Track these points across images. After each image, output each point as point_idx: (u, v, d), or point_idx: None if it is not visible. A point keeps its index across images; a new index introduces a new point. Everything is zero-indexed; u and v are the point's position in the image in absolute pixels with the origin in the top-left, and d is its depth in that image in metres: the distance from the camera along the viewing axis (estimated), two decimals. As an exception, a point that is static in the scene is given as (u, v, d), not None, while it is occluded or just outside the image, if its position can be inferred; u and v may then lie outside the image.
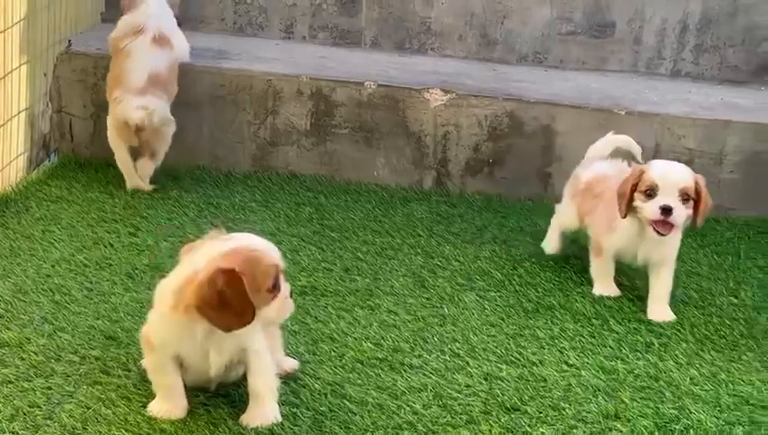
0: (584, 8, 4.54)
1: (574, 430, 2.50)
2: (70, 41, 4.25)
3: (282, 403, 2.50)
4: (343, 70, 4.29)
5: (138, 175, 3.94)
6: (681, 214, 3.02)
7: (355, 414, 2.51)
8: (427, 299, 3.22)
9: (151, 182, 3.98)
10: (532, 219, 3.95)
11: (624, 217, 3.10)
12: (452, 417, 2.53)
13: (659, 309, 3.17)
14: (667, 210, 2.99)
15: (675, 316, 3.15)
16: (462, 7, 4.58)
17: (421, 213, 3.96)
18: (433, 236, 3.74)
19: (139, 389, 2.54)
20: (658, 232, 3.03)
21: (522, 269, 3.49)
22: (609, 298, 3.27)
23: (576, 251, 3.61)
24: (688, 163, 3.97)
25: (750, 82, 4.52)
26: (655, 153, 4.02)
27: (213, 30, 4.72)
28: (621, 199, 3.08)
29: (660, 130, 4.03)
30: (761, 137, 4.00)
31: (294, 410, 2.50)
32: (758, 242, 3.84)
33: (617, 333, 3.05)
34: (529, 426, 2.51)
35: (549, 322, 3.11)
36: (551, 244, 3.60)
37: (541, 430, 2.50)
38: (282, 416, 2.44)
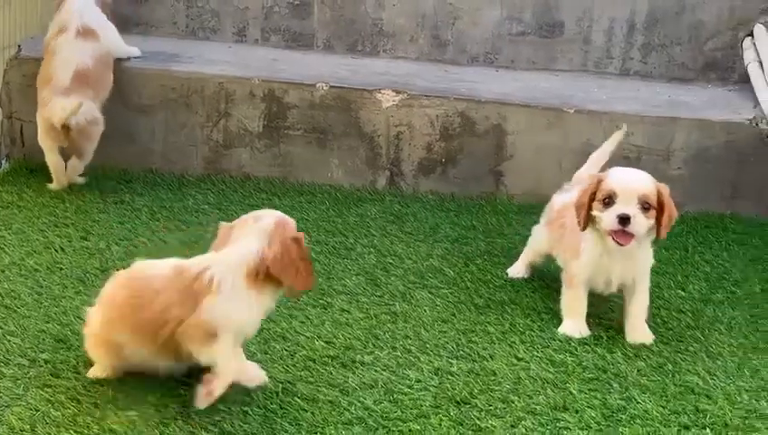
0: (533, 8, 4.59)
1: (523, 422, 2.54)
2: (19, 46, 4.23)
3: (232, 402, 2.51)
4: (295, 72, 4.31)
5: (67, 175, 3.95)
6: (641, 223, 2.83)
7: (306, 411, 2.52)
8: (380, 297, 3.24)
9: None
10: (485, 217, 3.98)
11: (583, 229, 2.92)
12: (402, 411, 2.55)
13: (637, 330, 3.03)
14: (624, 219, 2.80)
15: (653, 336, 3.03)
16: (413, 9, 4.62)
17: (375, 213, 3.98)
18: (386, 235, 3.76)
19: (88, 391, 2.53)
20: (618, 242, 2.84)
21: (474, 266, 3.52)
22: (555, 296, 3.27)
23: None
24: (636, 160, 4.08)
25: (697, 80, 4.59)
26: (604, 150, 4.08)
27: (165, 34, 4.72)
28: (580, 210, 2.92)
29: (609, 127, 4.05)
30: (707, 133, 4.06)
31: (245, 408, 2.51)
32: (706, 236, 3.90)
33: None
34: (478, 419, 2.54)
35: (500, 317, 3.14)
36: (516, 267, 3.46)
37: (490, 422, 2.53)
38: (231, 415, 2.46)
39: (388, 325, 3.04)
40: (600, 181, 2.89)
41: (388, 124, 4.14)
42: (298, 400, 2.57)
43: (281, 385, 2.63)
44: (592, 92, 4.36)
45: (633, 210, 2.82)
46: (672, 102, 4.29)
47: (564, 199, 3.19)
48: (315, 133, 4.19)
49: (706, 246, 3.81)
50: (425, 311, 3.16)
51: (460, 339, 2.98)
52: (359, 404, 2.57)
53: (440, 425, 2.50)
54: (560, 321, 3.10)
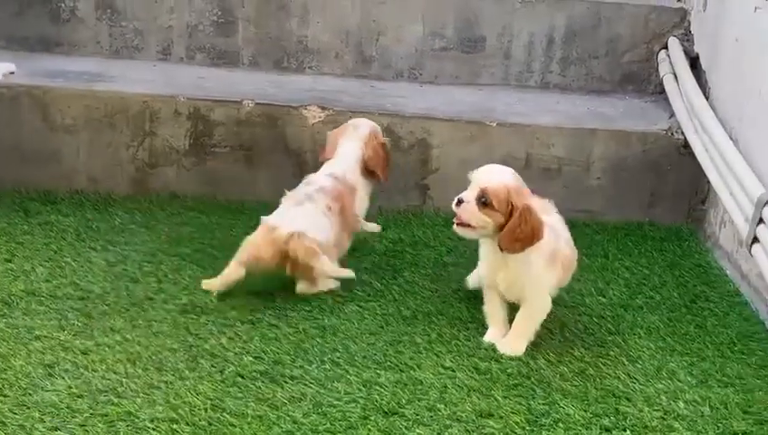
0: (455, 24, 4.67)
1: (449, 429, 2.59)
2: None
3: (160, 420, 2.52)
4: (221, 89, 4.32)
5: None
6: (469, 210, 2.91)
7: (234, 426, 2.54)
8: (309, 312, 3.27)
9: None
10: (412, 230, 4.04)
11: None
12: (331, 424, 2.59)
13: (507, 341, 3.05)
14: (459, 202, 2.93)
15: (522, 350, 3.02)
16: (337, 26, 4.66)
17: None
18: (315, 250, 3.79)
19: (15, 413, 2.52)
20: (457, 225, 2.97)
21: (401, 279, 3.57)
22: (482, 306, 3.34)
23: (455, 260, 3.74)
24: (557, 172, 4.18)
25: (614, 92, 4.72)
26: (526, 163, 4.18)
27: (88, 53, 4.69)
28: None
29: (530, 140, 4.18)
30: (624, 144, 4.18)
31: (173, 425, 2.52)
32: (625, 244, 4.01)
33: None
34: (406, 428, 2.58)
35: (426, 328, 3.19)
36: (473, 277, 3.39)
37: (417, 431, 2.57)
38: (162, 433, 2.47)
39: (317, 339, 3.07)
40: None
41: (314, 140, 4.18)
42: (226, 415, 2.59)
43: (209, 401, 2.64)
44: (514, 106, 4.45)
45: (469, 197, 2.91)
46: (591, 114, 4.40)
47: None
48: (242, 150, 4.20)
49: (626, 253, 3.92)
50: (353, 324, 3.19)
51: (388, 350, 3.02)
52: (287, 418, 2.60)
53: (369, 436, 2.54)
54: (485, 329, 3.16)
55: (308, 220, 3.40)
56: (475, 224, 2.90)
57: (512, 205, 2.87)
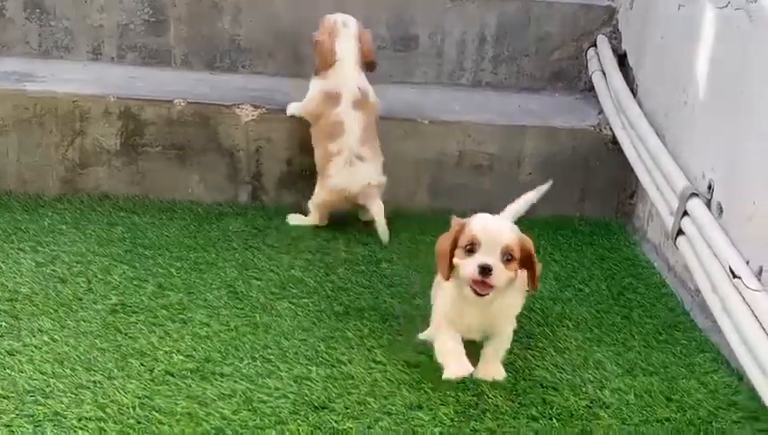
0: (388, 23, 4.70)
1: (379, 423, 2.61)
2: None
3: (87, 419, 2.51)
4: (152, 89, 4.29)
5: None
6: (501, 274, 2.68)
7: (163, 424, 2.53)
8: (241, 309, 3.26)
9: None
10: (346, 228, 4.05)
11: (447, 278, 2.78)
12: (261, 419, 2.59)
13: (488, 368, 2.88)
14: (485, 269, 2.65)
15: (505, 374, 2.88)
16: (270, 25, 4.66)
17: (237, 227, 4.00)
18: (249, 248, 3.79)
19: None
20: (477, 292, 2.70)
21: (335, 276, 3.59)
22: (415, 301, 3.39)
23: (389, 256, 3.76)
24: (489, 168, 4.23)
25: (545, 89, 4.79)
26: (458, 160, 4.22)
27: (17, 53, 4.62)
28: (442, 259, 2.79)
29: (462, 137, 4.23)
30: (554, 140, 4.25)
31: (101, 424, 2.50)
32: (556, 238, 4.07)
33: (422, 330, 3.17)
34: (336, 422, 2.60)
35: (359, 323, 3.21)
36: (426, 331, 3.10)
37: (347, 424, 2.59)
38: (89, 432, 2.46)
39: (249, 337, 3.07)
40: (462, 228, 2.75)
41: (247, 139, 4.17)
42: (155, 413, 2.57)
43: (138, 400, 2.63)
44: (446, 103, 4.49)
45: (495, 260, 2.67)
46: (521, 111, 4.46)
47: None
48: (174, 150, 4.18)
49: (556, 247, 3.98)
50: (285, 321, 3.20)
51: (320, 346, 3.03)
52: (217, 415, 2.59)
53: (298, 430, 2.54)
54: (417, 325, 3.19)
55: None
56: (502, 284, 2.72)
57: (525, 250, 2.76)
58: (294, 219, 4.07)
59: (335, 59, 3.97)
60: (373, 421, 2.61)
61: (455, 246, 2.75)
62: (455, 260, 2.75)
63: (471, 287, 2.71)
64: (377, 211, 3.88)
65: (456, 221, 2.82)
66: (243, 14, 4.65)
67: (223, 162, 4.21)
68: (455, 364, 2.83)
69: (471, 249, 2.71)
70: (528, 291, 2.95)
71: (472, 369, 2.83)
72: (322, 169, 3.96)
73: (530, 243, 2.77)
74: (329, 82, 3.97)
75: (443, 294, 2.90)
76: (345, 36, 4.01)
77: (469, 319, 2.84)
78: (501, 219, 2.89)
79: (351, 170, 3.88)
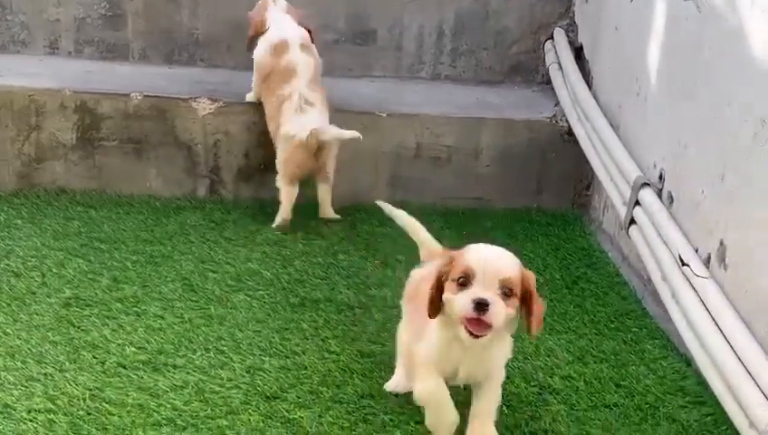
0: (346, 17, 4.71)
1: (330, 411, 2.62)
2: None
3: (37, 411, 2.50)
4: (109, 82, 4.28)
5: None
6: (500, 311, 2.26)
7: (113, 415, 2.53)
8: (195, 302, 3.27)
9: None
10: (304, 220, 4.05)
11: (432, 315, 2.36)
12: (212, 410, 2.59)
13: (484, 430, 2.50)
14: (481, 305, 2.24)
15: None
16: (228, 18, 4.65)
17: (194, 221, 3.99)
18: (206, 242, 3.79)
19: None
20: (471, 333, 2.28)
21: (291, 268, 3.59)
22: (370, 292, 3.40)
23: (345, 248, 3.77)
24: (447, 161, 4.25)
25: (504, 83, 4.82)
26: (416, 152, 4.24)
27: (-27, 49, 4.60)
28: (429, 293, 2.37)
29: (420, 129, 4.25)
30: (511, 132, 4.28)
31: (51, 416, 2.50)
32: (512, 229, 4.11)
33: (377, 320, 3.20)
34: (287, 411, 2.61)
35: (314, 314, 3.22)
36: (392, 380, 2.80)
37: (299, 414, 2.60)
38: (39, 424, 2.45)
39: (203, 329, 3.07)
40: (453, 259, 2.34)
41: (205, 132, 4.17)
42: (106, 405, 2.57)
43: (89, 392, 2.63)
44: (405, 97, 4.51)
45: (492, 295, 2.26)
46: (480, 104, 4.49)
47: (422, 273, 2.64)
48: (131, 144, 4.17)
49: (513, 237, 4.01)
50: (240, 313, 3.21)
51: (274, 337, 3.04)
52: (168, 406, 2.60)
53: (249, 420, 2.56)
54: (371, 315, 3.21)
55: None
56: (501, 323, 2.29)
57: (526, 285, 2.35)
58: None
59: (266, 26, 4.14)
60: (324, 410, 2.63)
61: (444, 278, 2.33)
62: (444, 296, 2.32)
63: (465, 327, 2.28)
64: (329, 171, 4.02)
65: (446, 252, 2.44)
66: (200, 8, 4.65)
67: (180, 156, 4.20)
68: (430, 417, 2.47)
69: (464, 282, 2.27)
70: (529, 336, 2.54)
71: (458, 418, 2.47)
72: (275, 119, 3.98)
73: (532, 277, 2.37)
74: (271, 34, 4.11)
75: (428, 336, 2.43)
76: (276, 8, 4.20)
77: (459, 365, 2.41)
78: (499, 249, 2.38)
79: (301, 117, 3.90)
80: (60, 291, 3.25)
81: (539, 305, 2.37)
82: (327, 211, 4.09)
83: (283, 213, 3.96)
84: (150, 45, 4.69)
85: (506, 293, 2.28)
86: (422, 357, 2.45)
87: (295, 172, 3.95)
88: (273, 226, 3.96)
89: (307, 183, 4.04)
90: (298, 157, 3.90)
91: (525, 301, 2.35)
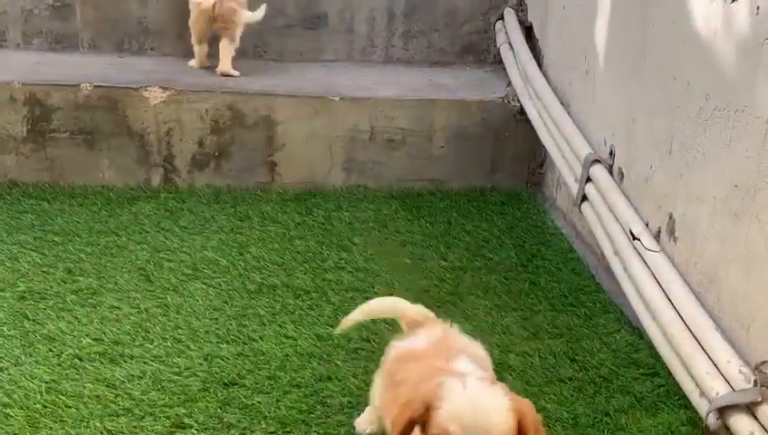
0: (296, 1, 4.70)
1: (288, 395, 2.64)
2: None
3: (-8, 406, 2.50)
4: (58, 73, 4.23)
5: None
6: None
7: (70, 407, 2.52)
8: (151, 292, 3.26)
9: None
10: (260, 207, 4.06)
11: None
12: (170, 398, 2.60)
13: None
14: None
15: None
16: (177, 6, 4.62)
17: (149, 210, 3.97)
18: (160, 231, 3.77)
19: None
20: None
21: (248, 254, 3.59)
22: (327, 276, 3.42)
23: (302, 234, 3.78)
24: (401, 143, 4.26)
25: (456, 63, 4.84)
26: (371, 135, 4.25)
27: None
28: None
29: (374, 113, 4.25)
30: (464, 113, 4.29)
31: (6, 410, 2.49)
32: (468, 209, 4.13)
33: (334, 304, 3.21)
34: (245, 397, 2.62)
35: (271, 300, 3.23)
36: (362, 418, 2.51)
37: (256, 399, 2.61)
38: (-6, 419, 2.45)
39: (159, 318, 3.07)
40: (428, 407, 1.83)
41: (157, 121, 4.14)
42: (63, 397, 2.57)
43: (45, 385, 2.62)
44: (358, 80, 4.51)
45: None
46: (432, 86, 4.50)
47: (401, 347, 2.24)
48: (82, 135, 4.13)
49: (468, 218, 4.04)
50: (197, 301, 3.20)
51: (231, 324, 3.05)
52: (125, 396, 2.60)
53: (207, 407, 2.56)
54: (328, 299, 3.23)
55: None
56: None
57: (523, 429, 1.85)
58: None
59: None
60: (282, 395, 2.64)
61: (412, 425, 1.86)
62: None
63: None
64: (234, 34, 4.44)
65: (420, 395, 1.87)
66: (149, -4, 4.62)
67: (133, 145, 4.18)
68: None
69: None
70: None
71: None
72: None
73: (528, 413, 1.86)
74: None
75: None
76: None
77: None
78: (488, 394, 1.85)
79: None
80: (14, 285, 3.23)
81: None
82: (224, 66, 4.43)
83: (198, 62, 4.53)
84: (100, 35, 4.65)
85: None
86: None
87: (201, 33, 4.46)
88: (189, 64, 4.53)
89: (269, 174, 4.04)
90: (201, 21, 4.39)
91: None
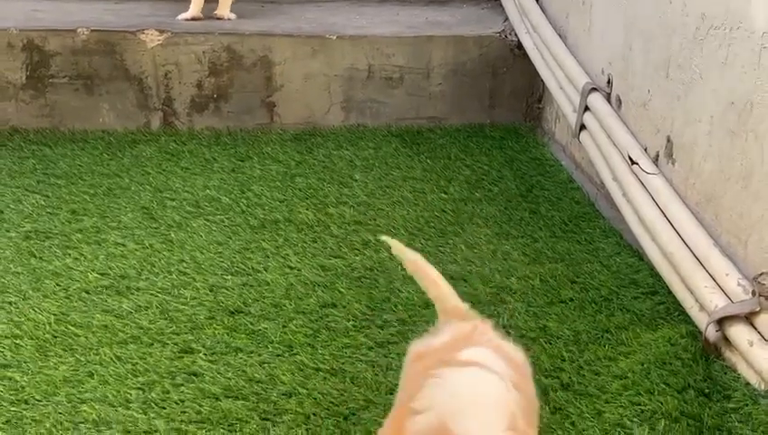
0: (292, -58, 4.69)
1: (294, 322, 2.68)
2: None
3: (3, 337, 2.53)
4: (55, 19, 4.23)
5: None
6: None
7: (80, 336, 2.57)
8: (156, 229, 3.29)
9: None
10: (260, 147, 4.07)
11: None
12: (177, 326, 2.64)
13: None
14: None
15: None
16: (172, -51, 4.60)
17: (150, 153, 3.99)
18: (162, 172, 3.79)
19: None
20: None
21: (249, 192, 3.62)
22: (329, 210, 3.44)
23: (303, 172, 3.81)
24: (399, 80, 4.27)
25: (453, 1, 4.83)
26: (369, 74, 4.25)
27: None
28: None
29: (371, 51, 4.25)
30: (461, 48, 4.29)
31: (17, 341, 2.53)
32: (467, 145, 4.15)
33: (336, 236, 3.24)
34: (251, 323, 2.66)
35: (274, 234, 3.26)
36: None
37: (263, 325, 2.65)
38: (5, 347, 2.49)
39: (164, 253, 3.10)
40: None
41: (155, 64, 4.15)
42: (72, 327, 2.61)
43: (53, 316, 2.66)
44: (354, 19, 4.51)
45: None
46: (429, 23, 4.49)
47: (419, 347, 1.85)
48: (81, 79, 4.13)
49: (468, 153, 4.05)
50: (201, 236, 3.23)
51: (235, 257, 3.08)
52: (133, 325, 2.64)
53: (214, 334, 2.60)
54: (331, 232, 3.25)
55: None
56: None
57: None
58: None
59: None
60: (288, 320, 2.68)
61: None
62: None
63: None
64: None
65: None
66: (143, -60, 4.60)
67: (132, 89, 4.18)
68: None
69: None
70: None
71: None
72: None
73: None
74: None
75: None
76: None
77: None
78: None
79: None
80: (19, 225, 3.26)
81: None
82: (222, 10, 4.40)
83: (193, 12, 4.37)
84: (95, -20, 4.63)
85: None
86: None
87: None
88: (181, 18, 4.36)
89: (268, 115, 4.04)
90: None
91: None
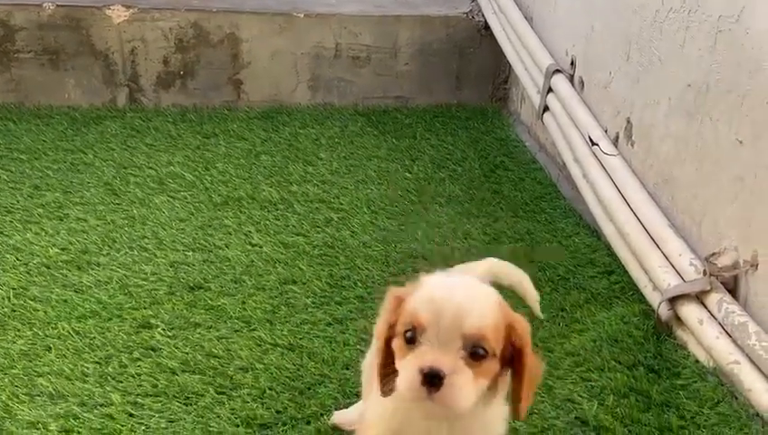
0: None
1: (253, 298, 2.69)
2: None
3: (-40, 310, 2.54)
4: (20, -7, 4.19)
5: None
6: (461, 387, 1.44)
7: (38, 311, 2.57)
8: (118, 205, 3.28)
9: None
10: (227, 125, 4.07)
11: (385, 392, 1.56)
12: (136, 301, 2.64)
13: None
14: (432, 378, 1.43)
15: None
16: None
17: (115, 129, 3.98)
18: (127, 148, 3.79)
19: None
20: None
21: (214, 170, 3.62)
22: (292, 188, 3.45)
23: (268, 149, 3.81)
24: (367, 60, 4.27)
25: (421, -19, 4.82)
26: (336, 52, 4.26)
27: None
28: (376, 351, 1.60)
29: (338, 29, 4.25)
30: (428, 29, 4.30)
31: (-26, 314, 2.53)
32: (433, 124, 4.16)
33: (299, 214, 3.25)
34: (211, 299, 2.67)
35: (237, 212, 3.27)
36: (342, 415, 2.19)
37: (222, 301, 2.66)
38: (-38, 322, 2.49)
39: (126, 229, 3.10)
40: (400, 300, 1.53)
41: (121, 40, 4.13)
42: (31, 302, 2.61)
43: (12, 291, 2.66)
44: (322, -2, 4.51)
45: (451, 361, 1.44)
46: (397, 2, 4.49)
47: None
48: (47, 55, 4.11)
49: (433, 133, 4.07)
50: (163, 213, 3.23)
51: (197, 234, 3.09)
52: (93, 300, 2.64)
53: (173, 309, 2.61)
54: (294, 210, 3.27)
55: None
56: (466, 403, 1.45)
57: (513, 338, 1.51)
58: None
59: None
60: (247, 296, 2.69)
61: (392, 332, 1.54)
62: (397, 361, 1.51)
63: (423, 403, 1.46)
64: None
65: (392, 292, 1.57)
66: None
67: (98, 65, 4.16)
68: None
69: (411, 338, 1.48)
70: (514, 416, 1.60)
71: None
72: None
73: (521, 324, 1.52)
74: None
75: (377, 404, 1.64)
76: None
77: None
78: (468, 281, 1.54)
79: None
80: (-20, 200, 3.25)
81: (533, 368, 1.53)
82: None
83: None
84: (61, -45, 4.59)
85: (476, 353, 1.45)
86: (364, 423, 1.68)
87: None
88: None
89: (234, 92, 4.03)
90: None
91: (513, 361, 1.52)
